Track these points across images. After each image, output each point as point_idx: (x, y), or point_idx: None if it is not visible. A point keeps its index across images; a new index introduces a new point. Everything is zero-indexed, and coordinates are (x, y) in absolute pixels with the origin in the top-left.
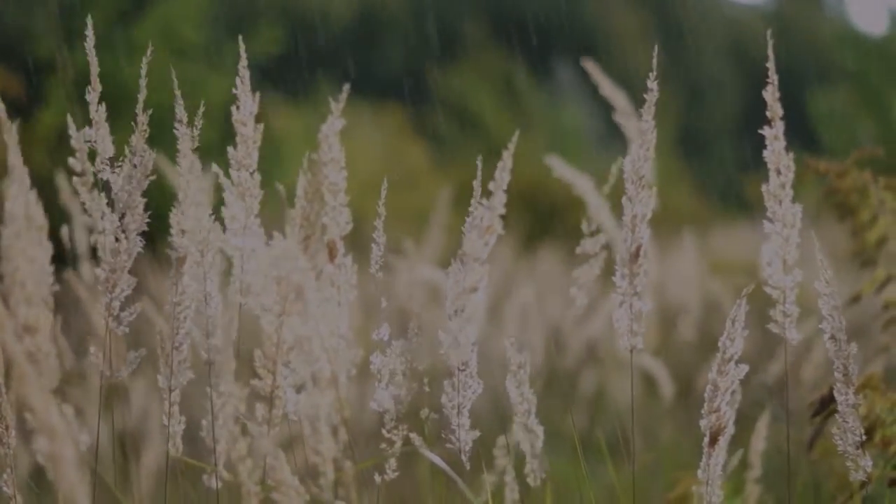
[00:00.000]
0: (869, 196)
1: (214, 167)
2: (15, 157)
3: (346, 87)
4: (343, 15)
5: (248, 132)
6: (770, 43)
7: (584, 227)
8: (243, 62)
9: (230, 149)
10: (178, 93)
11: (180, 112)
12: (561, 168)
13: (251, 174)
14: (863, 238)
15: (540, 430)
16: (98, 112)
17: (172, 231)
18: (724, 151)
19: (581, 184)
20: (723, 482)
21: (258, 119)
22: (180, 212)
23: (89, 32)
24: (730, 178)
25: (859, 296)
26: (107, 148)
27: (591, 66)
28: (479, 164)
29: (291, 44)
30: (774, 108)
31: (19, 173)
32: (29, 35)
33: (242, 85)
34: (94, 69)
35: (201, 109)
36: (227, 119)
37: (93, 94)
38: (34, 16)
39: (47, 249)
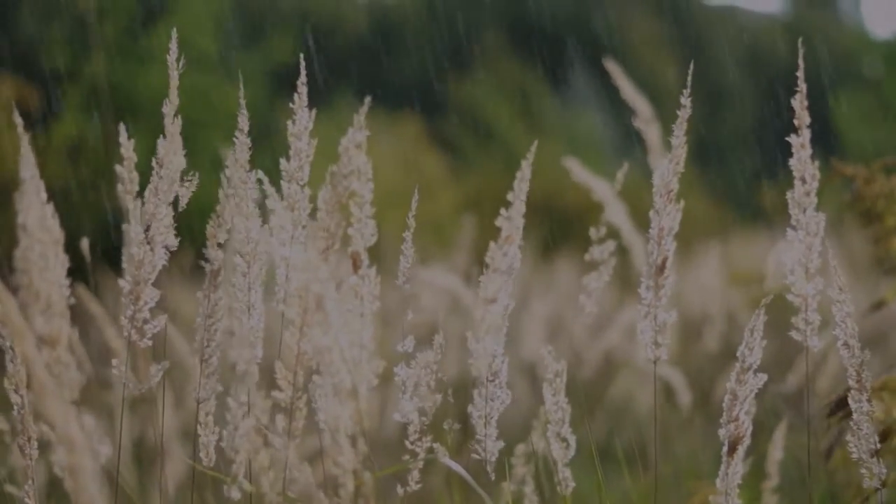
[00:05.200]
0: (895, 202)
1: (260, 174)
2: (29, 169)
3: (368, 99)
4: (358, 24)
5: (302, 146)
6: (801, 52)
7: (593, 233)
8: (302, 78)
9: (283, 161)
10: (242, 101)
11: (243, 121)
12: (578, 171)
13: (301, 187)
14: (888, 244)
15: (573, 438)
16: (174, 124)
17: (208, 243)
18: (740, 160)
19: (598, 187)
20: (739, 491)
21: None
22: (218, 223)
23: (172, 45)
24: (745, 186)
25: (883, 303)
26: (178, 161)
27: (612, 67)
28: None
29: (307, 53)
30: (802, 116)
31: (34, 185)
32: (44, 46)
33: (300, 99)
34: (174, 82)
35: (246, 123)
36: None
37: (169, 107)
38: (50, 27)
39: (63, 261)
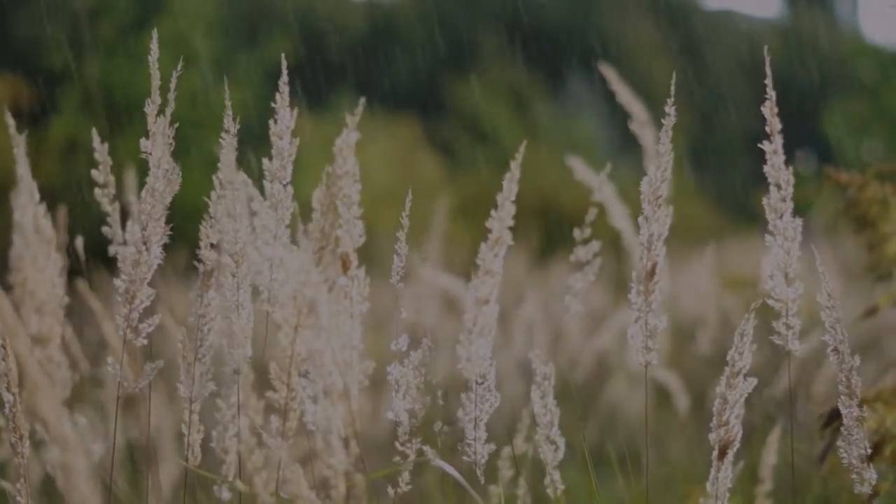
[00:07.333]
0: (889, 209)
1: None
2: (23, 168)
3: (363, 100)
4: (356, 26)
5: (284, 145)
6: (767, 59)
7: (577, 234)
8: (284, 78)
9: (265, 160)
10: (228, 103)
11: (228, 122)
12: (581, 169)
13: (284, 186)
14: (881, 251)
15: (562, 441)
16: (156, 124)
17: (201, 243)
18: (737, 165)
19: (601, 187)
20: (731, 496)
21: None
22: (210, 224)
23: (154, 46)
24: (742, 191)
25: (876, 309)
26: (163, 161)
27: (608, 72)
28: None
29: (304, 54)
30: (773, 123)
31: (28, 184)
32: (41, 45)
33: (281, 99)
34: (156, 82)
35: (237, 125)
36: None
37: (151, 107)
38: (46, 26)
39: (56, 260)
